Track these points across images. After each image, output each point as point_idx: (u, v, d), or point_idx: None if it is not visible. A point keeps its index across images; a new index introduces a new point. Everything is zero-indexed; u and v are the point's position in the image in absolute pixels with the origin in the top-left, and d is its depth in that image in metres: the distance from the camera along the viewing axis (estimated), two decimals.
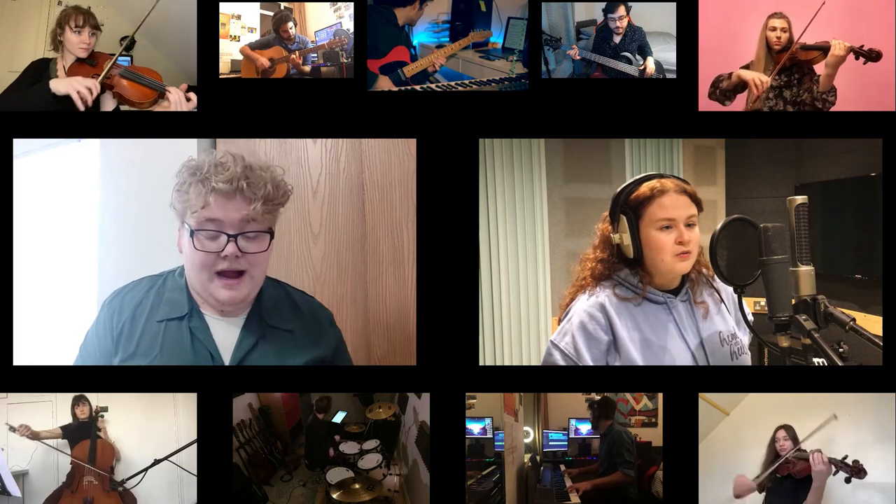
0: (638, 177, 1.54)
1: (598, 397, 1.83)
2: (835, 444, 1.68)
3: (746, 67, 1.87)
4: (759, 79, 1.83)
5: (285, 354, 1.52)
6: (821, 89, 1.82)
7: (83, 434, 1.78)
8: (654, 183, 1.51)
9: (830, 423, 1.68)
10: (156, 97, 1.83)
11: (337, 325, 1.67)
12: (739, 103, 1.87)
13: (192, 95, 1.79)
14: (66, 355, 1.59)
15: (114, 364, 1.48)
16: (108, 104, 1.84)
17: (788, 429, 1.71)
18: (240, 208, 1.40)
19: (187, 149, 1.75)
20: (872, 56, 1.76)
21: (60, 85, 1.74)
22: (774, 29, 1.84)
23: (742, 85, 1.85)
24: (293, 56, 1.87)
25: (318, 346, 1.57)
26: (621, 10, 1.86)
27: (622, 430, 1.82)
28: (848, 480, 1.62)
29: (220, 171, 1.40)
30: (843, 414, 1.69)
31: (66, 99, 1.75)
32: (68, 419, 1.78)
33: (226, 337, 1.50)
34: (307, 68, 1.88)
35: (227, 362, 1.48)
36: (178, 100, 1.79)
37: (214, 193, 1.39)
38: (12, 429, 1.72)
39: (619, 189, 1.56)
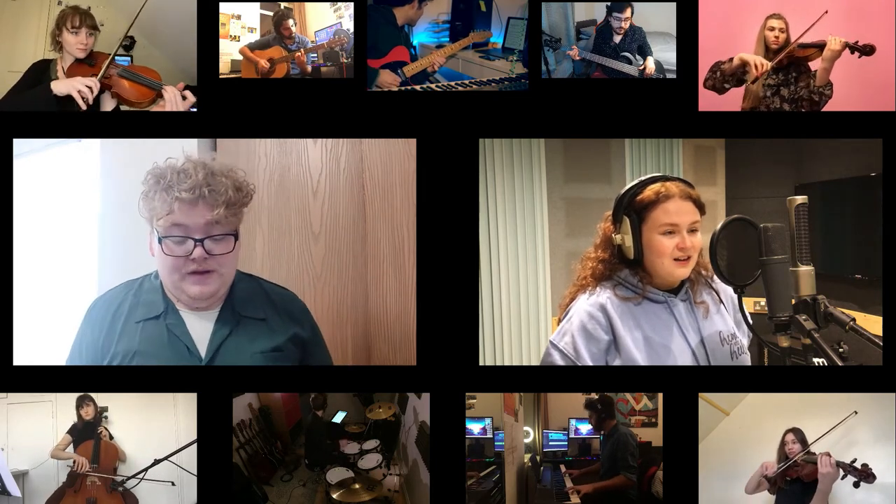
0: (643, 178, 1.54)
1: (597, 397, 1.83)
2: (834, 444, 1.67)
3: None
4: (760, 60, 1.83)
5: (260, 340, 1.56)
6: (817, 83, 1.82)
7: (87, 435, 1.78)
8: (658, 187, 1.50)
9: (850, 418, 1.67)
10: (154, 96, 1.83)
11: (311, 314, 1.69)
12: (736, 102, 1.87)
13: (189, 94, 1.79)
14: (65, 355, 1.59)
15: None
16: (108, 104, 1.84)
17: (797, 432, 1.70)
18: (204, 214, 1.46)
19: (188, 149, 1.75)
20: (866, 50, 1.76)
21: (61, 86, 1.75)
22: (773, 29, 1.85)
23: (740, 78, 1.85)
24: (298, 53, 1.87)
25: (293, 327, 1.61)
26: (628, 12, 1.86)
27: (627, 431, 1.81)
28: (857, 485, 1.61)
29: (183, 178, 1.45)
30: (842, 414, 1.69)
31: (68, 100, 1.75)
32: (71, 420, 1.78)
33: (201, 330, 1.55)
34: (309, 68, 1.88)
35: (203, 354, 1.53)
36: (173, 98, 1.79)
37: (178, 202, 1.44)
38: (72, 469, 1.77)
39: (623, 190, 1.55)
